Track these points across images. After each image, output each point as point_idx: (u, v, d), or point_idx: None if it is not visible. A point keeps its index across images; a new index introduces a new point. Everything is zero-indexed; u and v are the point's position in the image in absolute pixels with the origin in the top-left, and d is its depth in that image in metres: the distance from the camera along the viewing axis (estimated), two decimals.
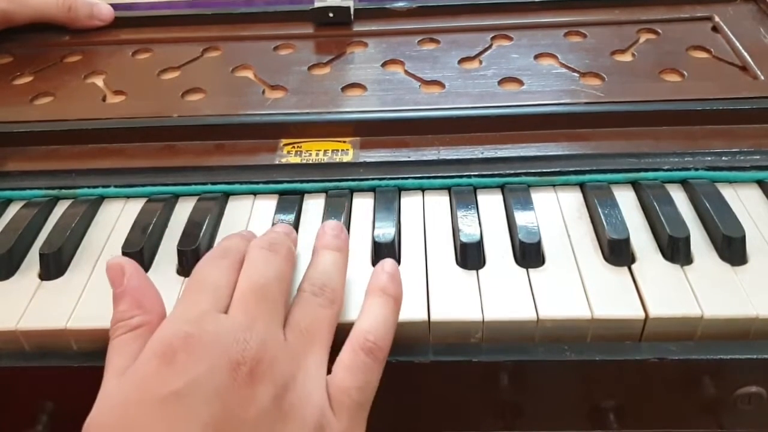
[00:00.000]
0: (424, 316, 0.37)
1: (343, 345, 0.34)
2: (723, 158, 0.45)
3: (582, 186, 0.45)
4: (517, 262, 0.40)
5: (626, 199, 0.43)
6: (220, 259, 0.36)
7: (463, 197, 0.44)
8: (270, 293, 0.34)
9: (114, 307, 0.34)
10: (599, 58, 0.55)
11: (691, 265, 0.39)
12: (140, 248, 0.41)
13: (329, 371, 0.33)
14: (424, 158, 0.47)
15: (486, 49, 0.57)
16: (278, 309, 0.34)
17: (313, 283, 0.36)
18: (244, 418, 0.29)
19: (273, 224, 0.43)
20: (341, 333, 0.35)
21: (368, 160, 0.47)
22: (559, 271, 0.39)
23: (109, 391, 0.31)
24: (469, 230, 0.41)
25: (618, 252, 0.39)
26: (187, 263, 0.40)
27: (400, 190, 0.45)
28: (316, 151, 0.48)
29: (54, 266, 0.41)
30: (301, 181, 0.45)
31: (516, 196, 0.43)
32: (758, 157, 0.45)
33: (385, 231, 0.41)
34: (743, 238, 0.39)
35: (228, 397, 0.29)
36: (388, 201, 0.44)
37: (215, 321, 0.32)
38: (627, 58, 0.56)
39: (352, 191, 0.45)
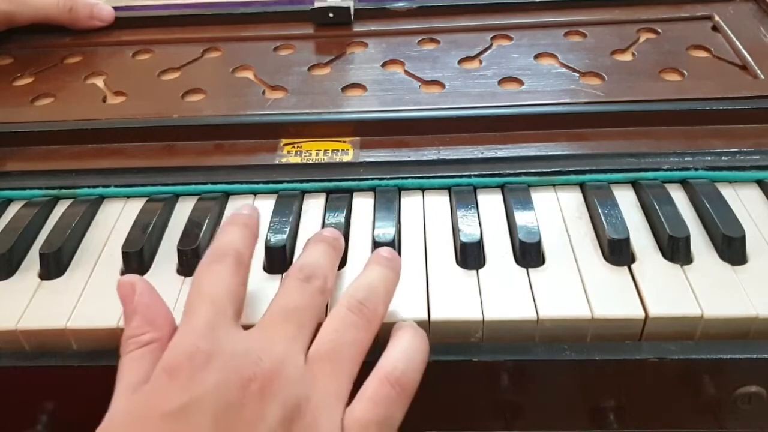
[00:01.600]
0: (424, 316, 0.37)
1: (370, 375, 0.32)
2: (723, 158, 0.45)
3: (582, 186, 0.45)
4: (517, 261, 0.40)
5: (626, 199, 0.43)
6: (216, 264, 0.35)
7: (463, 197, 0.44)
8: (299, 318, 0.33)
9: (125, 324, 0.34)
10: (599, 58, 0.55)
11: (691, 264, 0.39)
12: (140, 248, 0.41)
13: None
14: (424, 158, 0.47)
15: (486, 49, 0.57)
16: (304, 332, 0.33)
17: (353, 296, 0.34)
18: None
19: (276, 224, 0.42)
20: None
21: (368, 160, 0.47)
22: (559, 271, 0.39)
23: (117, 407, 0.31)
24: (469, 230, 0.41)
25: (618, 252, 0.39)
26: (187, 263, 0.40)
27: (400, 190, 0.45)
28: (316, 151, 0.48)
29: (54, 266, 0.41)
30: (301, 181, 0.46)
31: (516, 196, 0.43)
32: (758, 157, 0.45)
33: (385, 231, 0.41)
34: (743, 238, 0.39)
35: (235, 413, 0.29)
36: (388, 201, 0.44)
37: (230, 337, 0.31)
38: (627, 57, 0.56)
39: (352, 191, 0.45)
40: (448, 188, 0.45)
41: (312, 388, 0.31)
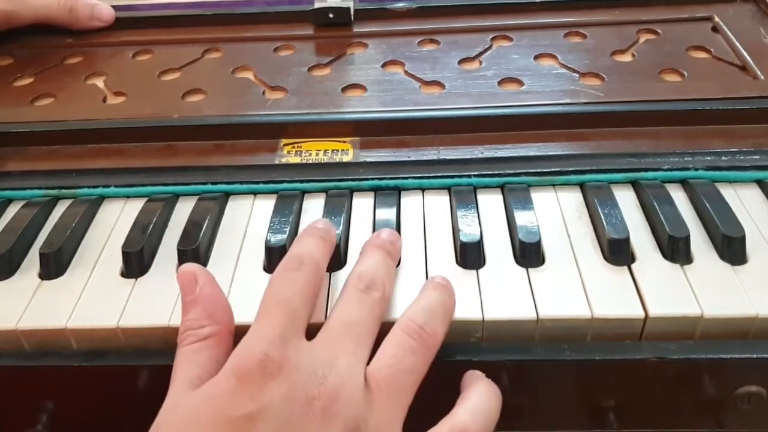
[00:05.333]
0: None
1: (441, 422, 0.32)
2: (723, 158, 0.45)
3: (582, 186, 0.45)
4: (517, 261, 0.40)
5: (626, 199, 0.43)
6: (293, 271, 0.34)
7: (463, 197, 0.44)
8: (359, 331, 0.33)
9: (183, 314, 0.34)
10: (599, 59, 0.55)
11: (691, 264, 0.39)
12: (140, 248, 0.41)
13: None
14: (424, 158, 0.47)
15: (486, 50, 0.57)
16: (364, 348, 0.33)
17: (412, 319, 0.34)
18: None
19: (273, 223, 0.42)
20: None
21: (368, 160, 0.47)
22: (559, 271, 0.39)
23: (178, 401, 0.31)
24: (469, 230, 0.41)
25: (618, 252, 0.39)
26: (187, 263, 0.40)
27: (400, 190, 0.45)
28: (316, 151, 0.48)
29: (54, 266, 0.41)
30: (301, 181, 0.46)
31: (516, 196, 0.43)
32: (758, 157, 0.45)
33: None
34: (743, 238, 0.39)
35: (298, 429, 0.29)
36: (388, 201, 0.44)
37: (297, 349, 0.31)
38: (627, 58, 0.56)
39: (352, 191, 0.45)
40: (448, 188, 0.45)
41: (370, 411, 0.31)
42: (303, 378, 0.30)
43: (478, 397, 0.33)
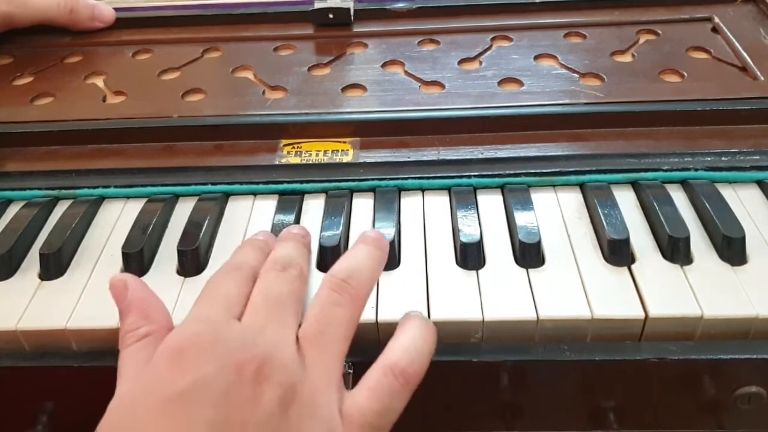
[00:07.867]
0: None
1: (373, 363, 0.33)
2: (723, 158, 0.45)
3: (582, 186, 0.45)
4: (517, 262, 0.40)
5: (626, 199, 0.43)
6: (233, 270, 0.36)
7: (463, 197, 0.44)
8: (282, 302, 0.34)
9: (121, 321, 0.34)
10: (599, 59, 0.55)
11: (691, 265, 0.39)
12: (140, 248, 0.41)
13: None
14: (424, 158, 0.47)
15: (486, 50, 0.57)
16: (291, 316, 0.34)
17: (334, 275, 0.35)
18: (248, 419, 0.29)
19: (275, 226, 0.43)
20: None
21: (368, 160, 0.47)
22: (559, 271, 0.39)
23: (120, 395, 0.31)
24: (469, 230, 0.41)
25: (618, 252, 0.39)
26: (187, 263, 0.40)
27: (400, 190, 0.45)
28: (316, 152, 0.48)
29: (54, 266, 0.41)
30: (301, 182, 0.46)
31: (516, 196, 0.43)
32: (758, 157, 0.45)
33: (385, 231, 0.41)
34: (743, 238, 0.39)
35: (233, 397, 0.29)
36: (388, 201, 0.44)
37: (226, 325, 0.32)
38: (627, 58, 0.56)
39: (352, 191, 0.45)
40: (448, 188, 0.45)
41: (304, 371, 0.31)
42: (233, 348, 0.31)
43: (410, 334, 0.34)
